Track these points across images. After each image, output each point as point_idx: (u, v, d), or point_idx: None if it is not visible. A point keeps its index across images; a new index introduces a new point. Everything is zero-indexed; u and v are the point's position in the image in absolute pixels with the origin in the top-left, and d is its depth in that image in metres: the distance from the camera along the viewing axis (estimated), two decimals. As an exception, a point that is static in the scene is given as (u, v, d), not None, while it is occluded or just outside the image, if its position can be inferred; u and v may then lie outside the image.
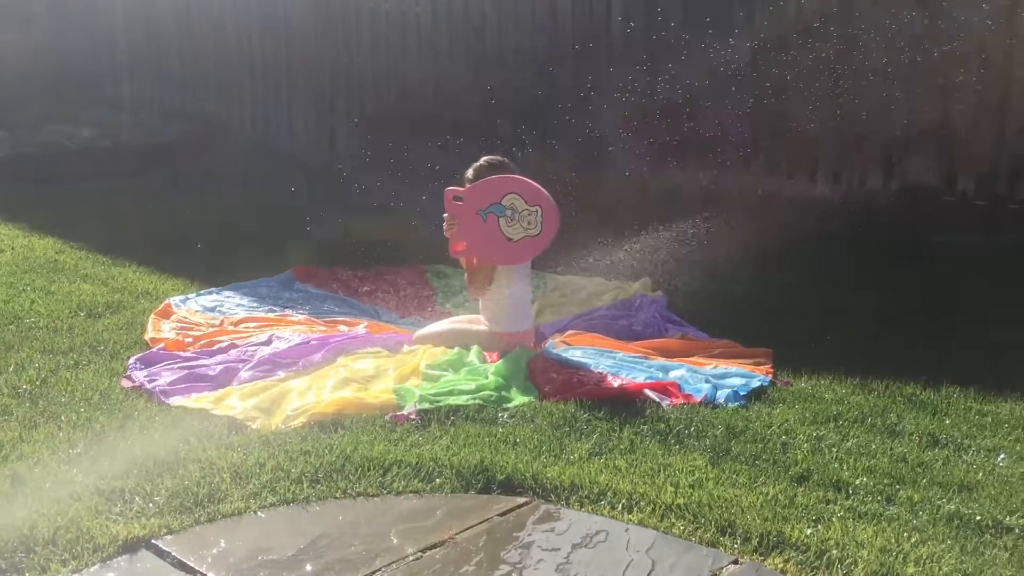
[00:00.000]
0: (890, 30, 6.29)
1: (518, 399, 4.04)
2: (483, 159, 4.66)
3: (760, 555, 2.91)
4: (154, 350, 4.49)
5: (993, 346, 4.74)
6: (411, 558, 2.89)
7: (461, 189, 4.52)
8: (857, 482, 3.33)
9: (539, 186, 4.49)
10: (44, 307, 5.08)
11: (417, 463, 3.39)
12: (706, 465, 3.45)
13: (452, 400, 3.96)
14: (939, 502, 3.21)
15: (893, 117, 6.41)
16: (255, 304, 5.31)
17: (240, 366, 4.33)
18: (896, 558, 2.87)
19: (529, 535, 3.05)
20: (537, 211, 4.44)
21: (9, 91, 10.21)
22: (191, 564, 2.84)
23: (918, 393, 4.19)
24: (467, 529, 3.05)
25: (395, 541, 2.97)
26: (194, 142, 9.58)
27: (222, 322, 4.97)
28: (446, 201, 4.49)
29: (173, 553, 2.88)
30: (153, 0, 10.43)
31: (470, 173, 4.61)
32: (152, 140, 9.48)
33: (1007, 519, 3.12)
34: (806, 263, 5.88)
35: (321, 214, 6.82)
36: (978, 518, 3.11)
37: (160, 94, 10.60)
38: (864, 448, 3.63)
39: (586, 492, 3.23)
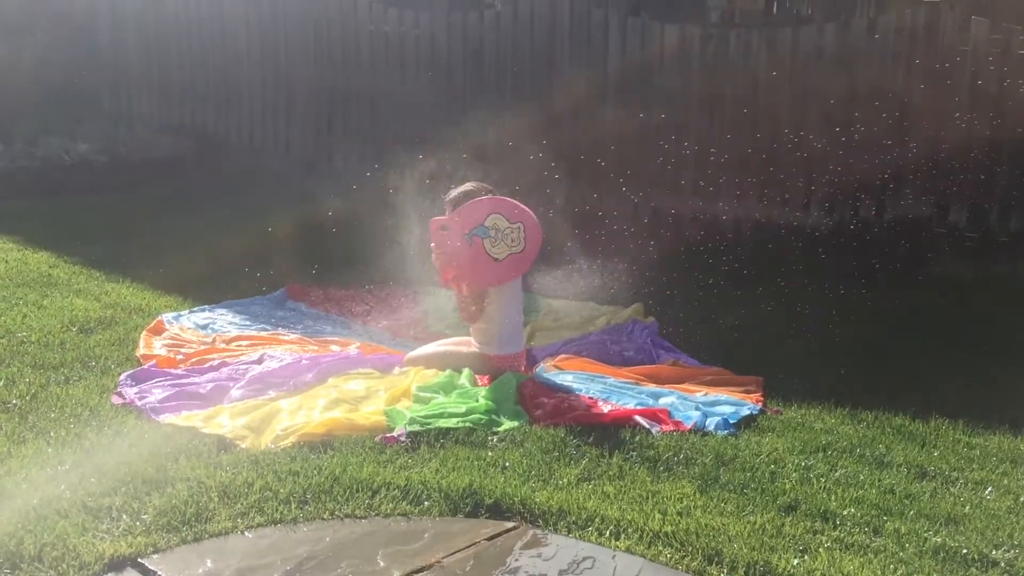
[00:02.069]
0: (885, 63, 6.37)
1: (508, 423, 4.04)
2: (465, 185, 4.71)
3: (746, 585, 2.92)
4: (145, 367, 4.48)
5: (983, 378, 4.76)
6: (397, 581, 2.89)
7: (446, 218, 4.57)
8: (845, 513, 3.34)
9: (519, 203, 4.56)
10: (36, 321, 5.07)
11: (406, 485, 3.39)
12: (694, 493, 3.46)
13: (442, 423, 3.96)
14: (926, 534, 3.22)
15: (887, 149, 6.46)
16: (248, 322, 5.31)
17: (231, 384, 4.33)
18: (882, 590, 2.88)
19: (516, 560, 3.05)
20: (519, 227, 4.52)
21: (7, 104, 10.23)
22: (177, 584, 2.84)
23: (907, 424, 4.20)
24: (454, 553, 3.04)
25: (382, 564, 2.97)
26: (191, 158, 9.60)
27: (214, 340, 4.97)
28: (433, 231, 4.55)
29: (159, 572, 2.88)
30: (155, 15, 10.48)
31: (450, 201, 4.66)
32: (149, 155, 9.48)
33: (993, 552, 3.13)
34: (798, 292, 5.90)
35: (319, 232, 6.83)
36: (964, 551, 3.12)
37: (159, 110, 10.62)
38: (852, 479, 3.64)
39: (574, 518, 3.24)
